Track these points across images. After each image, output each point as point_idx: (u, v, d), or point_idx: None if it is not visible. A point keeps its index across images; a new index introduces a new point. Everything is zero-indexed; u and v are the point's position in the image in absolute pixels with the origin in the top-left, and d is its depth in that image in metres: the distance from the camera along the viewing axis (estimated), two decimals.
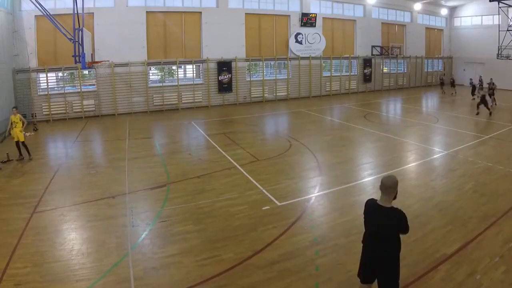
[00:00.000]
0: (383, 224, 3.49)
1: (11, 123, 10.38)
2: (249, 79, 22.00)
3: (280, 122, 17.00)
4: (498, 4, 24.39)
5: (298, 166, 9.62)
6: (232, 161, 9.99)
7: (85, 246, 5.65)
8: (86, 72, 18.54)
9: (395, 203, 3.56)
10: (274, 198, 7.39)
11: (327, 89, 24.96)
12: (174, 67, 20.56)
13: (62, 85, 17.77)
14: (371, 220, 3.61)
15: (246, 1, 21.75)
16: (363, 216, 3.76)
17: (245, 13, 21.48)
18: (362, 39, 26.24)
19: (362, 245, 3.80)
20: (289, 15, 22.98)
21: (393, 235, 3.52)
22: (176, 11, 19.68)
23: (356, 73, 26.21)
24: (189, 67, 21.28)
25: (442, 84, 25.68)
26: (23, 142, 10.46)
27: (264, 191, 7.79)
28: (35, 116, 16.50)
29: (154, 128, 15.47)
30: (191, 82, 20.49)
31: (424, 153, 10.71)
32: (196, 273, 4.92)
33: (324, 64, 24.95)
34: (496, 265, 4.89)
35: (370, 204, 3.64)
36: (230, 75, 20.93)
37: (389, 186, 3.45)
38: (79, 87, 17.69)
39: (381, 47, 27.06)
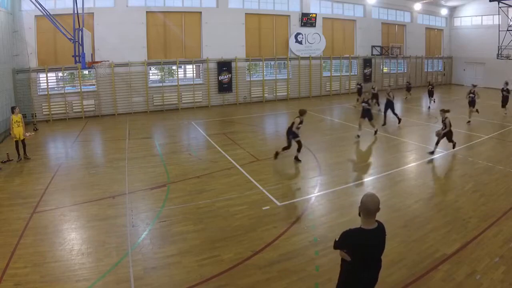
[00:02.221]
0: (380, 245, 3.23)
1: (14, 123, 10.36)
2: (249, 79, 21.99)
3: (280, 122, 16.98)
4: (498, 4, 24.40)
5: (298, 166, 9.62)
6: (232, 161, 9.99)
7: (85, 246, 5.66)
8: (86, 72, 18.54)
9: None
10: (274, 198, 7.39)
11: (327, 89, 24.96)
12: (174, 67, 20.55)
13: (62, 85, 17.76)
14: (366, 248, 3.14)
15: (246, 1, 21.74)
16: (344, 251, 3.27)
17: (245, 13, 21.46)
18: (362, 39, 26.24)
19: (348, 283, 3.36)
20: (289, 15, 22.97)
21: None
22: (176, 11, 19.67)
23: (356, 73, 26.21)
24: (189, 67, 21.28)
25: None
26: (23, 141, 10.49)
27: (264, 191, 7.79)
28: (35, 116, 16.49)
29: (154, 128, 15.47)
30: (191, 82, 20.48)
31: (424, 153, 10.70)
32: (196, 273, 4.92)
33: (324, 64, 24.95)
34: (496, 265, 4.89)
35: (356, 234, 3.15)
36: (230, 75, 20.93)
37: (376, 209, 3.07)
38: (79, 87, 17.69)
39: (381, 47, 27.06)
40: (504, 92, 16.25)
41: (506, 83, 16.51)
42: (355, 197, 7.47)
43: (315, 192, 7.80)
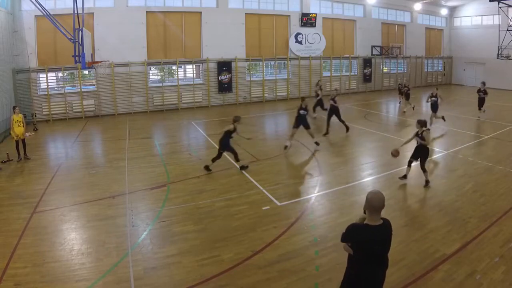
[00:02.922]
0: (386, 241, 3.24)
1: (15, 122, 10.36)
2: (249, 79, 21.99)
3: (280, 122, 16.98)
4: (498, 4, 24.39)
5: (298, 166, 9.62)
6: (232, 161, 9.98)
7: (85, 246, 5.66)
8: (86, 72, 18.54)
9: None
10: (274, 198, 7.39)
11: (327, 89, 24.93)
12: (174, 67, 20.56)
13: (62, 85, 17.77)
14: (371, 244, 3.16)
15: (246, 1, 21.74)
16: (348, 245, 3.29)
17: (245, 13, 21.46)
18: (362, 39, 26.23)
19: (352, 279, 3.35)
20: (289, 15, 22.97)
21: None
22: (176, 11, 19.67)
23: (356, 73, 26.22)
24: (189, 67, 21.28)
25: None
26: (23, 141, 10.50)
27: (264, 191, 7.79)
28: (35, 116, 16.49)
29: (154, 128, 15.47)
30: (191, 82, 20.48)
31: None
32: (196, 273, 4.92)
33: (324, 64, 24.95)
34: (496, 265, 4.89)
35: (361, 230, 3.19)
36: (230, 75, 20.93)
37: (381, 206, 3.10)
38: (79, 87, 17.69)
39: (381, 47, 27.06)
40: (481, 93, 15.32)
41: (483, 84, 15.54)
42: (355, 197, 7.47)
43: (315, 192, 7.80)
